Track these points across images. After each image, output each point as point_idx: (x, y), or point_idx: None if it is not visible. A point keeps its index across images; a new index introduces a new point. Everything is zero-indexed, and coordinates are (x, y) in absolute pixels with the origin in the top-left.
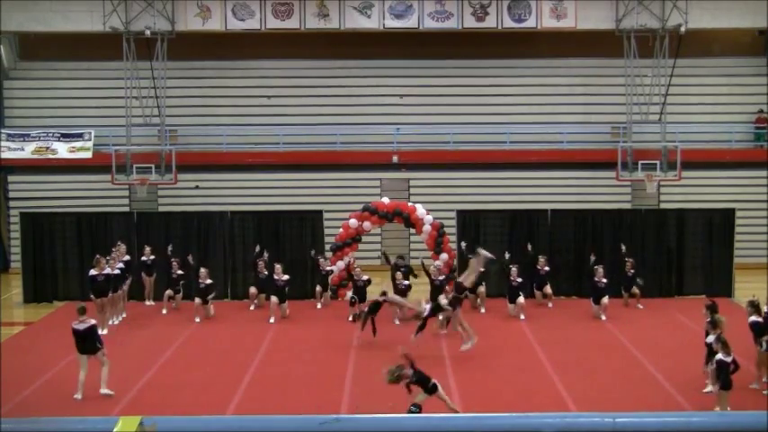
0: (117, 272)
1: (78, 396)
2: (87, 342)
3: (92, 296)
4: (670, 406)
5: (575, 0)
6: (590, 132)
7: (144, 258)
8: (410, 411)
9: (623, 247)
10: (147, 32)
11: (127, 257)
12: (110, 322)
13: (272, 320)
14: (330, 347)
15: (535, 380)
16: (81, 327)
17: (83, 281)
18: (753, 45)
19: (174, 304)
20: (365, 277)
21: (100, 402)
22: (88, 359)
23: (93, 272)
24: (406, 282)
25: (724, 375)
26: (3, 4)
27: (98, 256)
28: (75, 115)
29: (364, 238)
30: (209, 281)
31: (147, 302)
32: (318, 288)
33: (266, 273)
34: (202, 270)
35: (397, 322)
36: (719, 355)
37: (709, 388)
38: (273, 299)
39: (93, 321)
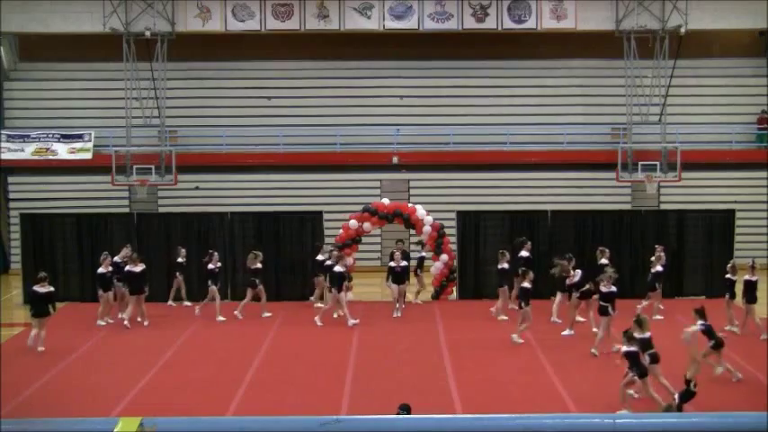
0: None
1: (41, 348)
2: (42, 305)
3: (145, 289)
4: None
5: (575, 1)
6: (590, 133)
7: (180, 260)
8: (399, 412)
9: (658, 248)
10: (147, 33)
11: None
12: (109, 321)
13: (354, 323)
14: (330, 348)
15: (535, 380)
16: (42, 290)
17: (83, 281)
18: (753, 46)
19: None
20: (350, 262)
21: (100, 403)
22: (40, 321)
23: (134, 268)
24: (404, 262)
25: (636, 364)
26: (3, 4)
27: (135, 254)
28: (76, 116)
29: (364, 239)
30: (219, 264)
31: (170, 303)
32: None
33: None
34: (216, 254)
35: (396, 315)
36: (624, 347)
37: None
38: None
39: (51, 288)
